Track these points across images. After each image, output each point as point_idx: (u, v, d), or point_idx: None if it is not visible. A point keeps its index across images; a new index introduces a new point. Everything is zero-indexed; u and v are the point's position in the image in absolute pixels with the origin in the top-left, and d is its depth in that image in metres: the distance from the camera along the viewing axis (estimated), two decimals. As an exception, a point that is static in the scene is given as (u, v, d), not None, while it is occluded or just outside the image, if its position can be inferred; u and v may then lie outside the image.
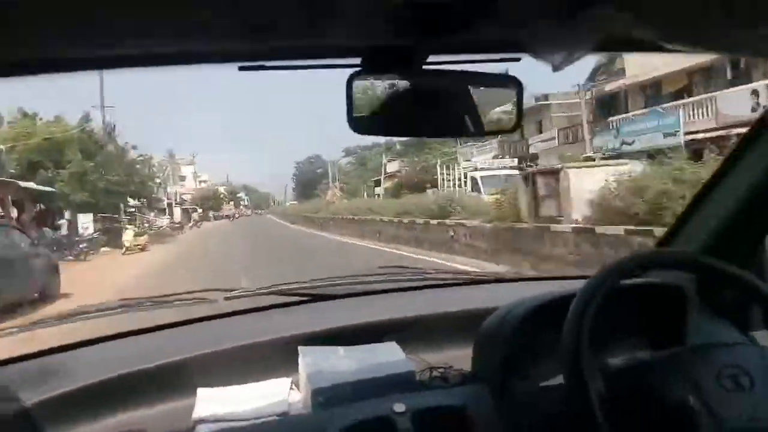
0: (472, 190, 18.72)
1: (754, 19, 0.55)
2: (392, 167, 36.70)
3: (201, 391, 1.18)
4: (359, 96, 0.78)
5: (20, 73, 0.74)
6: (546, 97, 25.51)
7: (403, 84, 0.80)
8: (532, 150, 24.85)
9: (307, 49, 0.80)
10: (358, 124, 0.79)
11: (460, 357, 1.22)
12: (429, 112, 0.82)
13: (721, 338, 1.11)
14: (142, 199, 31.43)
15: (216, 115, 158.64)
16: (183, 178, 61.55)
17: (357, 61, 0.80)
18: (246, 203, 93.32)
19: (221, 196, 72.51)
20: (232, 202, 75.26)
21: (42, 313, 1.59)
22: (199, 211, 58.82)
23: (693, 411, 0.82)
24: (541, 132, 25.99)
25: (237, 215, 69.60)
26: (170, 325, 1.48)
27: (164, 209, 42.43)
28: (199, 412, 1.13)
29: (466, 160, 26.92)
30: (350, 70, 0.79)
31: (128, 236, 21.38)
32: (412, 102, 0.81)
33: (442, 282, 1.77)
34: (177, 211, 46.29)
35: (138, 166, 29.07)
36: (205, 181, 70.32)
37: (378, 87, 0.80)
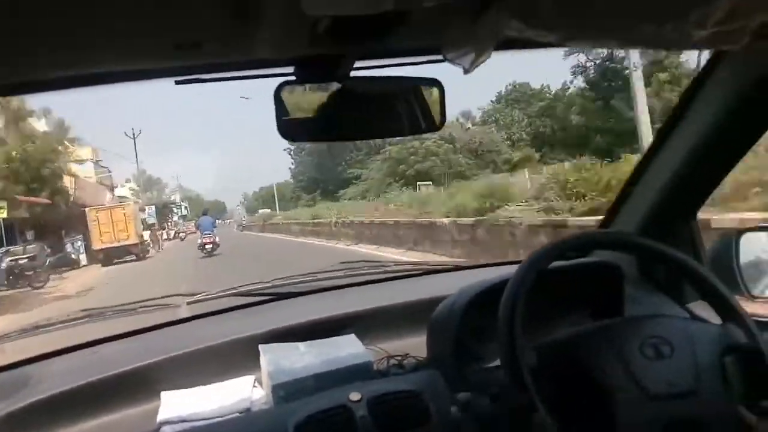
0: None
1: (654, 15, 0.60)
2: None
3: (165, 395, 1.21)
4: (289, 103, 0.82)
5: None
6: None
7: (331, 90, 0.84)
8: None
9: (240, 64, 0.84)
10: (287, 130, 0.83)
11: (417, 345, 1.27)
12: (356, 117, 0.86)
13: (657, 311, 1.18)
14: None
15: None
16: (81, 162, 29.89)
17: (289, 70, 0.84)
18: (184, 213, 59.48)
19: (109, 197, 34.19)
20: (145, 210, 35.12)
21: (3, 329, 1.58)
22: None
23: (617, 380, 0.88)
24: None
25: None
26: (133, 333, 1.49)
27: None
28: (163, 414, 1.15)
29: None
30: (283, 79, 0.83)
31: None
32: (340, 107, 0.84)
33: (401, 273, 1.82)
34: None
35: None
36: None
37: (307, 94, 0.84)
